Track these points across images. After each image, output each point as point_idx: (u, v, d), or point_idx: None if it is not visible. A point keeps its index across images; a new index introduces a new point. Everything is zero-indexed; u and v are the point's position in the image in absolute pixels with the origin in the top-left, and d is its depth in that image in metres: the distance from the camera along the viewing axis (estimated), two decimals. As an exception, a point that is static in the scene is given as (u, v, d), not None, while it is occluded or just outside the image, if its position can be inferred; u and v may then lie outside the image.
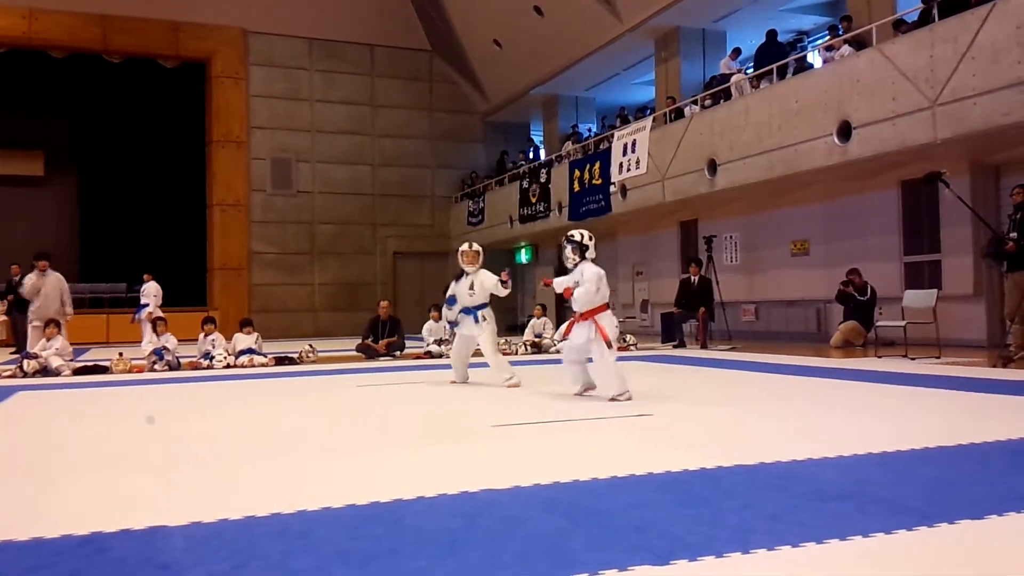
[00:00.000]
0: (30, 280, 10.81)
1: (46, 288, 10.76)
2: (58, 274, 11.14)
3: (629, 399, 5.97)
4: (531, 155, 22.51)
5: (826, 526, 2.57)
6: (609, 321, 6.25)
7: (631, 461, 3.65)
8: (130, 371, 10.02)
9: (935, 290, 10.20)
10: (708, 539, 2.46)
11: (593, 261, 6.45)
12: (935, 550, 2.37)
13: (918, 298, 10.15)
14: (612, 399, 5.99)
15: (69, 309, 10.96)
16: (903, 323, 9.98)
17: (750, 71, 13.91)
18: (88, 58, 20.49)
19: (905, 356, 9.27)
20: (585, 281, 6.25)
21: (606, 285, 6.34)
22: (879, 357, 9.54)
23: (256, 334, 11.33)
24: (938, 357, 9.07)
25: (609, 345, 6.13)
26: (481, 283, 7.62)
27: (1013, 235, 8.22)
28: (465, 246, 7.82)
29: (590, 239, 6.49)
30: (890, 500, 2.91)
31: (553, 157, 19.66)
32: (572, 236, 6.51)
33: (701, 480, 3.29)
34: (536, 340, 12.58)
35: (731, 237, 15.50)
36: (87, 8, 19.78)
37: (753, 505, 2.86)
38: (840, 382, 7.04)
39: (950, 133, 9.45)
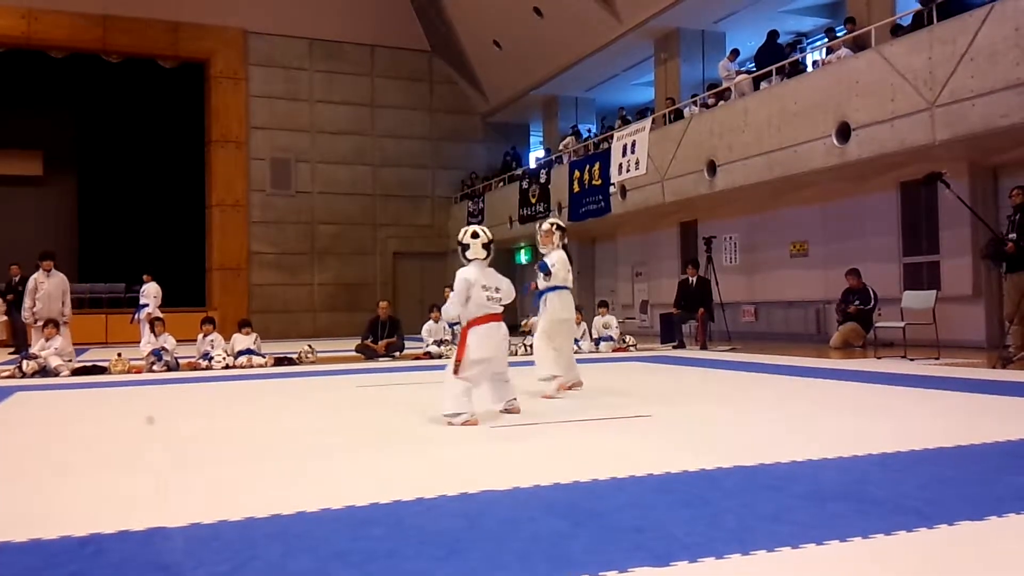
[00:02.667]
0: (34, 280, 10.75)
1: (49, 288, 10.70)
2: (62, 275, 11.09)
3: (464, 424, 4.97)
4: (516, 156, 22.64)
5: (826, 527, 2.57)
6: (478, 338, 5.16)
7: (631, 462, 3.65)
8: (128, 371, 10.01)
9: (934, 291, 10.20)
10: (708, 540, 2.46)
11: (490, 263, 5.38)
12: (935, 551, 2.37)
13: (917, 299, 10.15)
14: (446, 416, 5.08)
15: (67, 311, 10.91)
16: (902, 324, 9.98)
17: (753, 71, 13.90)
18: (87, 58, 20.50)
19: (904, 357, 9.27)
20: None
21: (480, 292, 5.20)
22: (878, 358, 9.54)
23: (255, 334, 11.32)
24: (937, 358, 9.07)
25: (457, 366, 5.13)
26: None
27: (1012, 236, 8.22)
28: (546, 225, 6.86)
29: (473, 237, 5.32)
30: (889, 501, 2.91)
31: (553, 157, 19.66)
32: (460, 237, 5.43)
33: (701, 481, 3.29)
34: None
35: (730, 238, 15.50)
36: (86, 8, 19.79)
37: (752, 506, 2.86)
38: (839, 383, 7.04)
39: (949, 134, 9.46)
